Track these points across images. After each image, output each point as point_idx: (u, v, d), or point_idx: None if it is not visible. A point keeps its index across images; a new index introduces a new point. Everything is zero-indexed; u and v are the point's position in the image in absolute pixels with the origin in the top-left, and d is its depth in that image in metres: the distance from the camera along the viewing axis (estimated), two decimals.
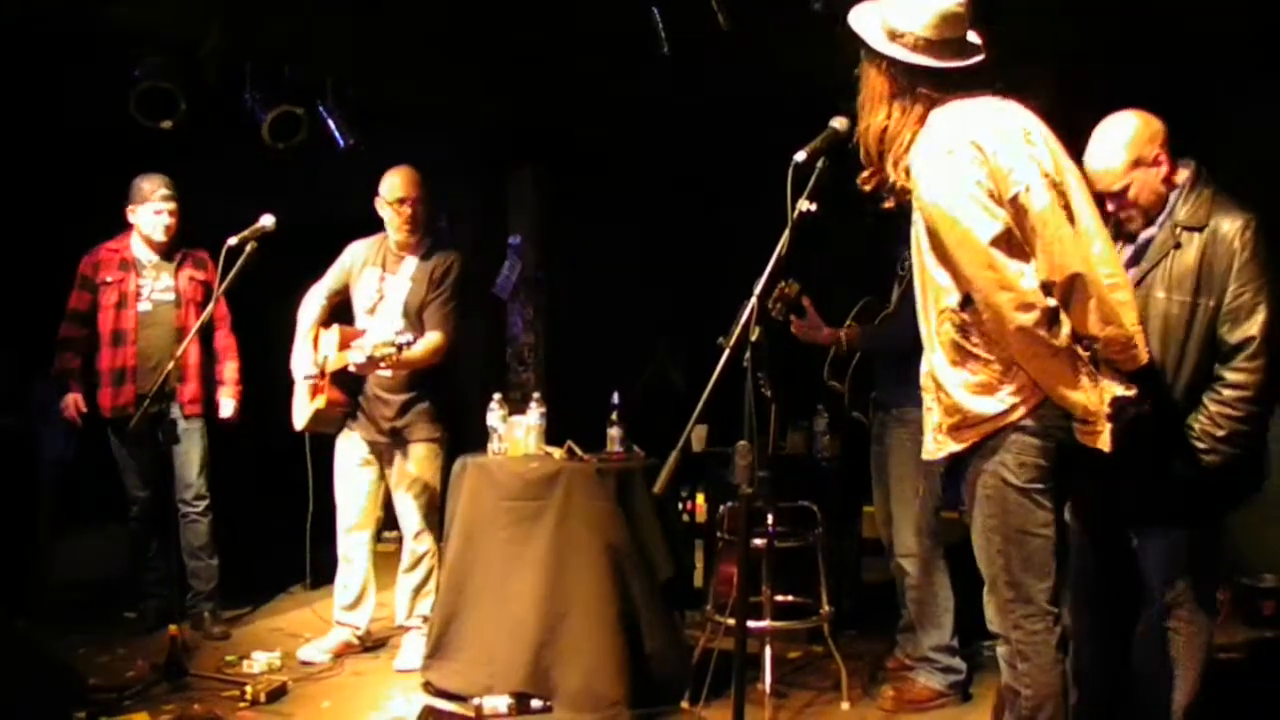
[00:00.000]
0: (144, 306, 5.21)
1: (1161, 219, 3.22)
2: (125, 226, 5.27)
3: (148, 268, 5.25)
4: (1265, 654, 4.72)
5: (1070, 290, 2.67)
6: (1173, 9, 5.02)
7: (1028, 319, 2.63)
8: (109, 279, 5.21)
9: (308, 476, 4.85)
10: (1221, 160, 3.43)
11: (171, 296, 5.24)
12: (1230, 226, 3.12)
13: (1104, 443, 2.71)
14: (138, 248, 5.27)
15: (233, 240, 4.49)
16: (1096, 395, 2.70)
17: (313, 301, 4.88)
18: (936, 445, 2.90)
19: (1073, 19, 5.18)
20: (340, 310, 4.91)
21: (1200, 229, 3.15)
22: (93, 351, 5.25)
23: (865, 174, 2.93)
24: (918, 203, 2.78)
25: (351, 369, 4.46)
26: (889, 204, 2.93)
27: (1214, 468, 3.13)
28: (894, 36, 2.77)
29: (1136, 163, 3.19)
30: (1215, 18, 5.13)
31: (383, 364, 4.30)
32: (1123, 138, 3.21)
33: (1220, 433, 3.10)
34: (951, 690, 4.25)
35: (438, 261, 4.76)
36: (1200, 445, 3.12)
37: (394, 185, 4.73)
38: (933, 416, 2.91)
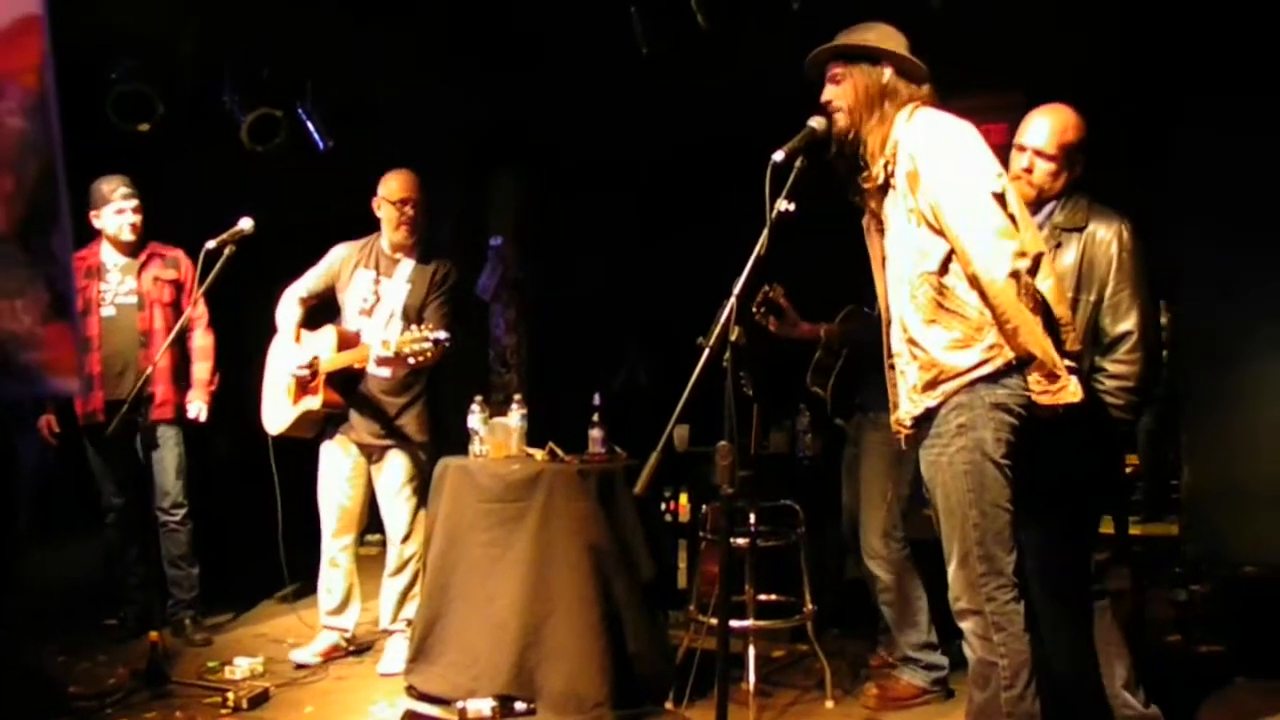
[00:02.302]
0: (107, 311, 5.16)
1: (1040, 221, 3.40)
2: (95, 230, 5.23)
3: (113, 271, 5.20)
4: (1245, 644, 4.73)
5: (1037, 267, 2.96)
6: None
7: (1023, 264, 2.89)
8: (75, 288, 5.15)
9: (274, 482, 4.80)
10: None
11: (134, 299, 5.19)
12: (1108, 229, 3.37)
13: (1074, 392, 2.92)
14: (105, 252, 5.23)
15: (211, 244, 4.46)
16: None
17: (292, 301, 4.85)
18: (911, 404, 3.08)
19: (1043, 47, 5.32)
20: (316, 313, 4.87)
21: (1079, 230, 3.38)
22: None
23: (869, 170, 3.14)
24: (923, 165, 2.98)
25: (371, 366, 4.43)
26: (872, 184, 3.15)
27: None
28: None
29: (1069, 146, 3.42)
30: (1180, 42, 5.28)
31: (412, 360, 4.25)
32: (1078, 128, 3.44)
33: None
34: (935, 687, 4.25)
35: (437, 266, 4.77)
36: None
37: (398, 185, 4.73)
38: (907, 379, 3.10)
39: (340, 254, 4.87)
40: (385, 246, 4.79)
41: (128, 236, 5.16)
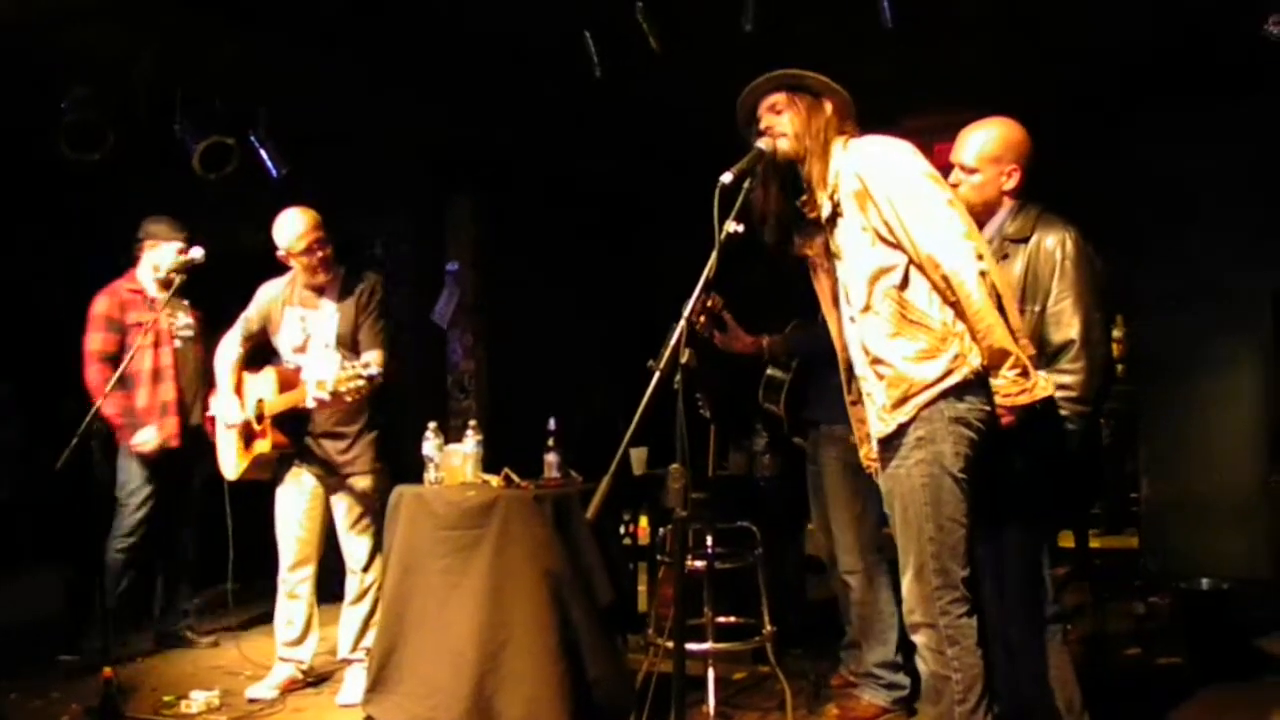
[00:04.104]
0: (177, 344, 5.44)
1: (990, 234, 3.43)
2: (57, 259, 5.23)
3: (165, 306, 5.31)
4: (1204, 656, 4.77)
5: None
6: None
7: (984, 265, 2.94)
8: (139, 319, 5.29)
9: (227, 518, 4.78)
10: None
11: (191, 334, 5.50)
12: (1053, 239, 3.36)
13: (1045, 387, 2.98)
14: (151, 287, 5.38)
15: (160, 273, 4.45)
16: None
17: (230, 347, 4.80)
18: (883, 424, 3.06)
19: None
20: (255, 354, 4.83)
21: (1024, 241, 3.38)
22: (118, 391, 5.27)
23: (805, 197, 3.18)
24: (872, 182, 3.01)
25: (309, 405, 4.38)
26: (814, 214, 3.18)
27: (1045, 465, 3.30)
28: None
29: (991, 158, 3.45)
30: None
31: (348, 398, 4.22)
32: (999, 134, 3.47)
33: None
34: (895, 706, 4.24)
35: (360, 288, 4.70)
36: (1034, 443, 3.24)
37: (295, 235, 4.58)
38: (876, 399, 3.09)
39: (268, 293, 4.81)
40: (304, 286, 4.73)
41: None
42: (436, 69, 5.72)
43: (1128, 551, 7.02)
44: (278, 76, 5.65)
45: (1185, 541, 6.05)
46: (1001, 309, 2.99)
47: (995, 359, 2.93)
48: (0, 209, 6.20)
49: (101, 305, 5.30)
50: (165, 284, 4.47)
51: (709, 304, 4.12)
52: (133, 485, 5.34)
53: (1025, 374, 2.94)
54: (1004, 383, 2.94)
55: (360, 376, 4.17)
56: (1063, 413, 3.29)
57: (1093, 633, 5.17)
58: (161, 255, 5.33)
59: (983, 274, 2.91)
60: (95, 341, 5.25)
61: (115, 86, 5.32)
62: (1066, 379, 3.29)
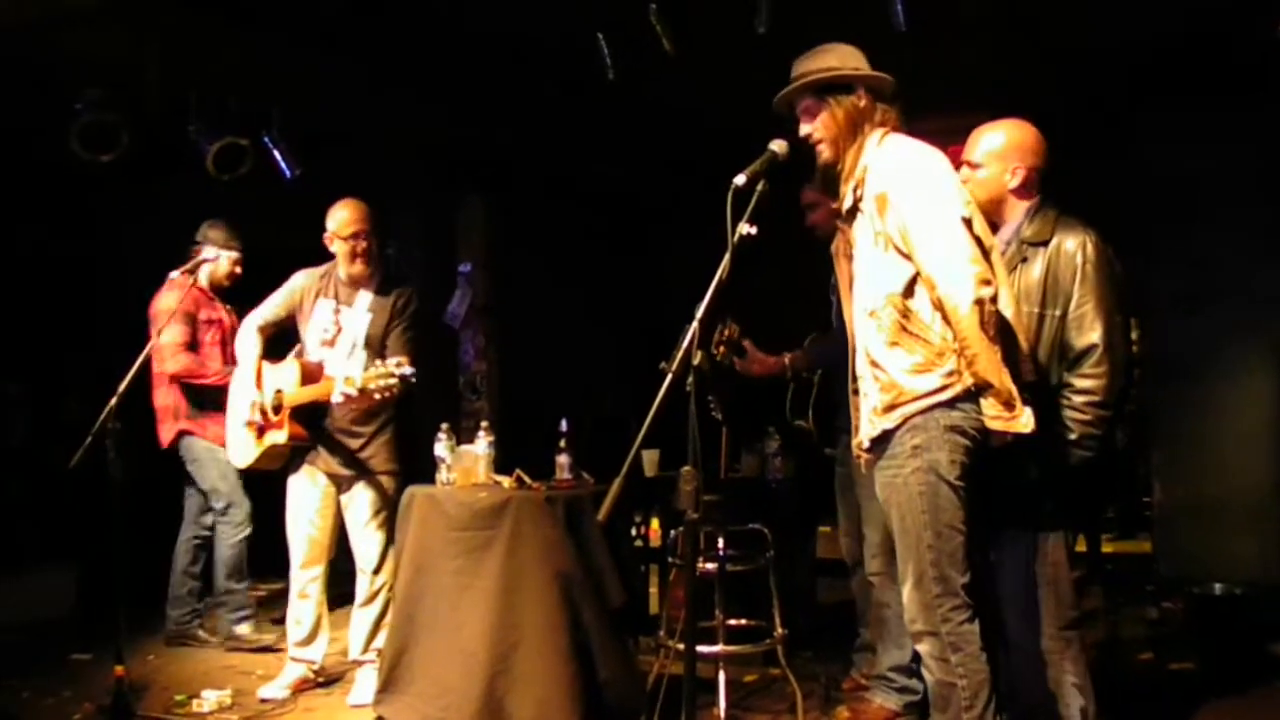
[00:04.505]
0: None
1: (1009, 237, 3.41)
2: (59, 260, 5.25)
3: (220, 308, 5.47)
4: (1216, 662, 4.76)
5: (995, 295, 2.98)
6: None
7: (986, 292, 2.90)
8: (207, 317, 5.43)
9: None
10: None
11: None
12: (1073, 242, 3.33)
13: (1026, 424, 2.95)
14: (208, 289, 5.48)
15: (175, 274, 4.47)
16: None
17: (251, 331, 4.79)
18: (871, 426, 3.11)
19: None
20: (275, 341, 4.83)
21: (1044, 244, 3.36)
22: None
23: (840, 202, 3.20)
24: (893, 190, 3.00)
25: (336, 400, 4.37)
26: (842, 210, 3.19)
27: (1066, 470, 3.30)
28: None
29: (997, 154, 3.43)
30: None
31: (378, 396, 4.23)
32: (1007, 134, 3.46)
33: (1071, 436, 3.28)
34: (907, 710, 4.22)
35: (397, 293, 4.73)
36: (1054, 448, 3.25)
37: (345, 220, 4.65)
38: (869, 401, 3.12)
39: (300, 282, 4.82)
40: (343, 277, 4.75)
41: (226, 282, 5.49)
42: (437, 69, 5.73)
43: (1140, 556, 7.00)
44: (278, 77, 5.67)
45: (1198, 546, 6.02)
46: (1008, 333, 3.00)
47: (980, 386, 2.93)
48: (2, 209, 6.24)
49: (171, 300, 5.29)
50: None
51: (726, 333, 4.18)
52: (233, 478, 5.45)
53: (1010, 405, 2.93)
54: (987, 405, 2.95)
55: (393, 375, 4.18)
56: (1085, 418, 3.27)
57: (1105, 638, 5.15)
58: (219, 261, 5.44)
59: (979, 302, 2.88)
60: (173, 334, 5.27)
61: (119, 88, 5.34)
62: (1089, 384, 3.27)
